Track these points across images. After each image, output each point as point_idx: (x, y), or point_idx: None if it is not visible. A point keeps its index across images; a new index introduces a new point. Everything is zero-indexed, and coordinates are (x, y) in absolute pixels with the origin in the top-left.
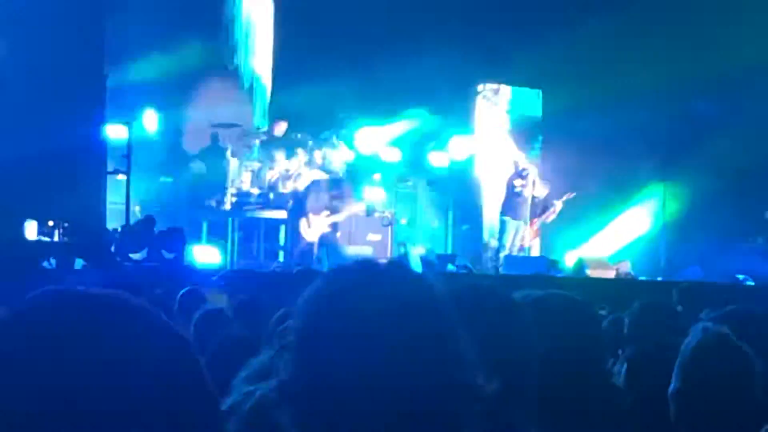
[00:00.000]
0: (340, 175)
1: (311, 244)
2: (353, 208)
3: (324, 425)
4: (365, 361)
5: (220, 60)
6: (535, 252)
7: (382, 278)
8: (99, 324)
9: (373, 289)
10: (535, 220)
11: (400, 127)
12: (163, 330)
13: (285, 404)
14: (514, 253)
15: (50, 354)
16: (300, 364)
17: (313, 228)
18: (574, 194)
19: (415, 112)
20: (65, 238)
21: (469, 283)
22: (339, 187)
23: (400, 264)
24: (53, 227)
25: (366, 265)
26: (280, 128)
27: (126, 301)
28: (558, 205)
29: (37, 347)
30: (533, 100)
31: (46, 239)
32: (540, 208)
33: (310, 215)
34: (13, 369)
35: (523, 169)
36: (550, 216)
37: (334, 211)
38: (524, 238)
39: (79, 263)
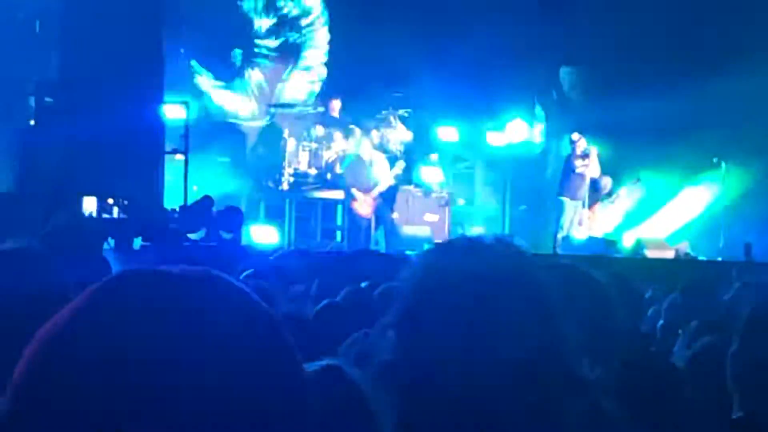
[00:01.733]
0: (398, 154)
1: (369, 224)
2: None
3: (429, 409)
4: (474, 344)
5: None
6: (596, 233)
7: (489, 256)
8: (191, 302)
9: (480, 267)
10: (595, 204)
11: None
12: (256, 309)
13: (387, 385)
14: (573, 234)
15: (144, 335)
16: (406, 344)
17: (362, 203)
18: (638, 181)
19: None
20: (124, 216)
21: (557, 262)
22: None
23: (504, 241)
24: (112, 205)
25: (471, 241)
26: (336, 107)
27: (217, 279)
28: (623, 192)
29: (130, 331)
30: (588, 80)
31: (106, 216)
32: (599, 192)
33: (354, 191)
34: (105, 356)
35: (585, 149)
36: (614, 201)
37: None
38: (583, 221)
39: (137, 243)
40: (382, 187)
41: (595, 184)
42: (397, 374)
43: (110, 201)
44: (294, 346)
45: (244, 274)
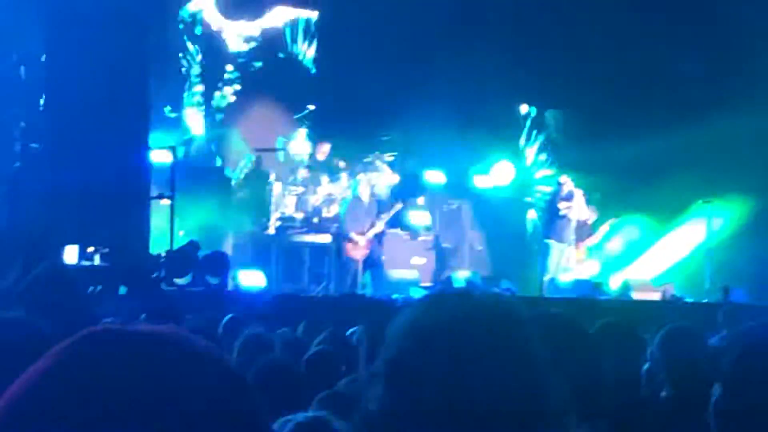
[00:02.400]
0: (384, 198)
1: (356, 268)
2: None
3: None
4: (460, 398)
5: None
6: (582, 275)
7: (479, 310)
8: (156, 364)
9: (470, 321)
10: (582, 244)
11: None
12: (223, 372)
13: None
14: (558, 276)
15: (89, 407)
16: (393, 396)
17: (358, 246)
18: (617, 219)
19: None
20: (106, 264)
21: (545, 312)
22: (383, 209)
23: (495, 296)
24: (93, 252)
25: (462, 295)
26: (323, 151)
27: (184, 340)
28: (603, 230)
29: (94, 392)
30: (574, 123)
31: (87, 263)
32: (586, 232)
33: (353, 234)
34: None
35: (569, 191)
36: (595, 241)
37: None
38: (570, 262)
39: (122, 290)
40: (378, 228)
41: (579, 225)
42: (384, 425)
43: (90, 249)
44: (263, 409)
45: (226, 318)
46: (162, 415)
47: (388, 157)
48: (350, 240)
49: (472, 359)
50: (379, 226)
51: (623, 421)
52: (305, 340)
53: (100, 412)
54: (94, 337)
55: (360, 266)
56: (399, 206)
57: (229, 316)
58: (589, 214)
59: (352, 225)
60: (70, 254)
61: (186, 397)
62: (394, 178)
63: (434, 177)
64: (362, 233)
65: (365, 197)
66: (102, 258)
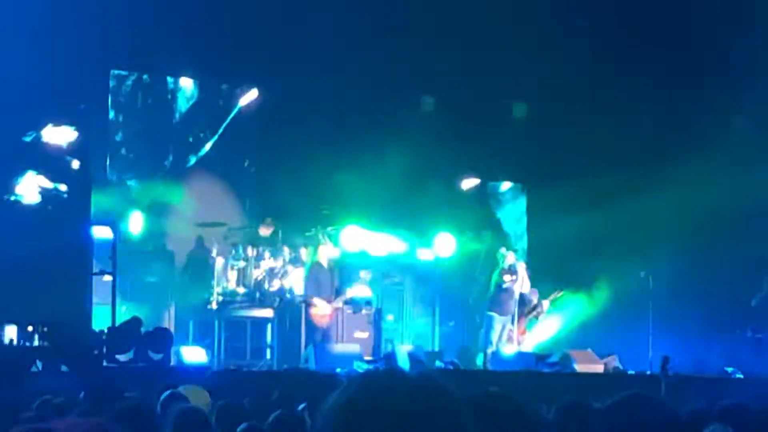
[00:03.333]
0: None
1: (326, 333)
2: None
3: None
4: None
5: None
6: (525, 348)
7: (411, 392)
8: None
9: (402, 403)
10: (523, 318)
11: (387, 239)
12: None
13: None
14: (501, 349)
15: None
16: None
17: (322, 312)
18: (562, 293)
19: (402, 231)
20: (45, 343)
21: (482, 392)
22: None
23: (429, 377)
24: (32, 332)
25: (396, 375)
26: (266, 228)
27: None
28: (545, 304)
29: None
30: (518, 197)
31: (26, 344)
32: (527, 307)
33: (315, 300)
34: None
35: (512, 264)
36: (539, 314)
37: (338, 294)
38: (512, 336)
39: (64, 367)
40: (344, 297)
41: (523, 300)
42: None
43: (30, 328)
44: None
45: (164, 395)
46: None
47: (330, 230)
48: (314, 305)
49: None
50: (349, 294)
51: None
52: (253, 412)
53: None
54: None
55: (303, 340)
56: (368, 274)
57: (168, 392)
58: (532, 294)
59: (315, 290)
60: (10, 333)
61: None
62: (336, 251)
63: (377, 251)
64: (328, 300)
65: (325, 262)
66: (41, 336)
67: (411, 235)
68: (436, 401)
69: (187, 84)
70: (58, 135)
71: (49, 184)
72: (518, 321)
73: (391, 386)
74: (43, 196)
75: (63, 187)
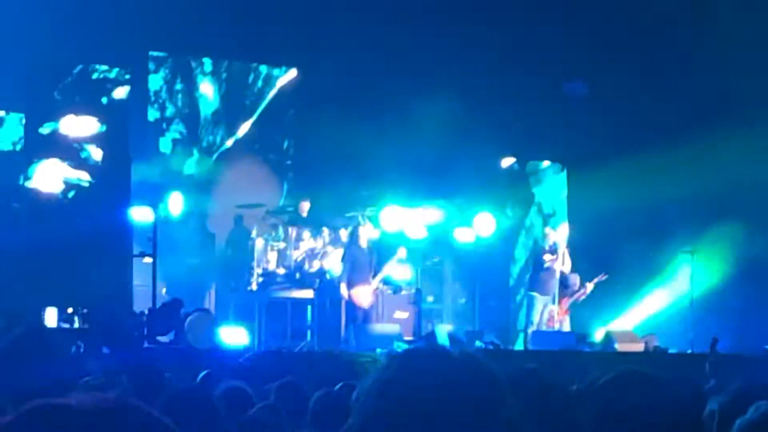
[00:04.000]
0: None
1: (366, 315)
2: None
3: None
4: None
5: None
6: (566, 328)
7: (453, 369)
8: None
9: (444, 380)
10: (566, 299)
11: (425, 213)
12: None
13: None
14: (542, 329)
15: None
16: None
17: (363, 294)
18: (606, 276)
19: (441, 202)
20: (85, 325)
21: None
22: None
23: (467, 354)
24: (72, 314)
25: (438, 353)
26: (304, 207)
27: (132, 412)
28: (589, 286)
29: None
30: (558, 175)
31: (66, 326)
32: (570, 288)
33: (354, 280)
34: None
35: (553, 244)
36: (581, 297)
37: (376, 273)
38: (553, 316)
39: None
40: (382, 274)
41: (564, 280)
42: None
43: (70, 310)
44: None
45: (201, 375)
46: None
47: (369, 211)
48: (354, 286)
49: (444, 419)
50: (386, 271)
51: None
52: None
53: None
54: (33, 413)
55: (342, 321)
56: (403, 251)
57: (204, 372)
58: (574, 278)
59: (353, 271)
60: (50, 317)
61: None
62: (376, 233)
63: (416, 232)
64: (366, 281)
65: (363, 243)
66: (82, 318)
67: (450, 214)
68: (478, 378)
69: (225, 65)
70: (88, 123)
71: (84, 172)
72: (560, 302)
73: (433, 363)
74: (80, 180)
75: (96, 172)
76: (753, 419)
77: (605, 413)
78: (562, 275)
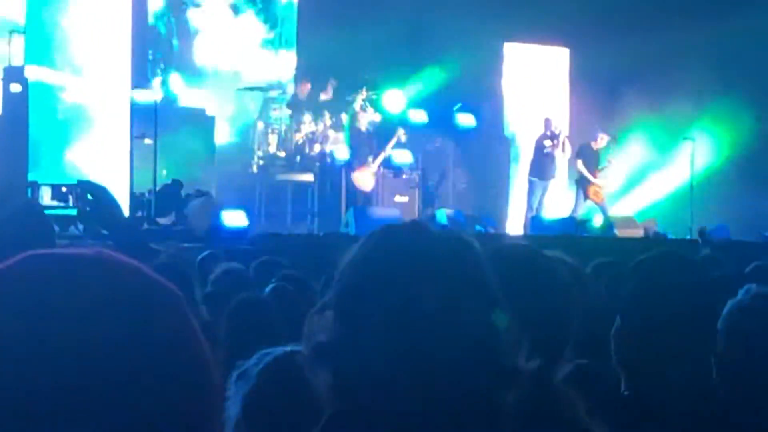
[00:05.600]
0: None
1: (369, 198)
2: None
3: (363, 388)
4: (410, 328)
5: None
6: (564, 213)
7: (433, 244)
8: (81, 284)
9: (424, 254)
10: (598, 173)
11: (425, 84)
12: (148, 284)
13: (323, 366)
14: (542, 214)
15: (28, 321)
16: (343, 327)
17: (366, 177)
18: (615, 139)
19: (436, 71)
20: (80, 204)
21: (507, 244)
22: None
23: (451, 231)
24: (66, 192)
25: (417, 228)
26: (305, 90)
27: (105, 258)
28: (614, 160)
29: (12, 315)
30: (561, 59)
31: (62, 204)
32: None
33: (355, 164)
34: None
35: (555, 129)
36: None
37: (376, 156)
38: (598, 195)
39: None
40: (383, 155)
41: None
42: (334, 355)
43: (64, 189)
44: (197, 329)
45: (201, 256)
46: (87, 333)
47: (371, 95)
48: (355, 169)
49: (422, 290)
50: (386, 152)
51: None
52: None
53: (22, 332)
54: (26, 261)
55: (343, 205)
56: (402, 132)
57: (207, 252)
58: (571, 152)
59: (355, 154)
60: (45, 195)
61: (114, 316)
62: (377, 117)
63: (416, 116)
64: (367, 164)
65: (363, 127)
66: (79, 199)
67: (452, 101)
68: (459, 254)
69: None
70: None
71: None
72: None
73: (412, 239)
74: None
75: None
76: (744, 301)
77: (643, 290)
78: (586, 152)
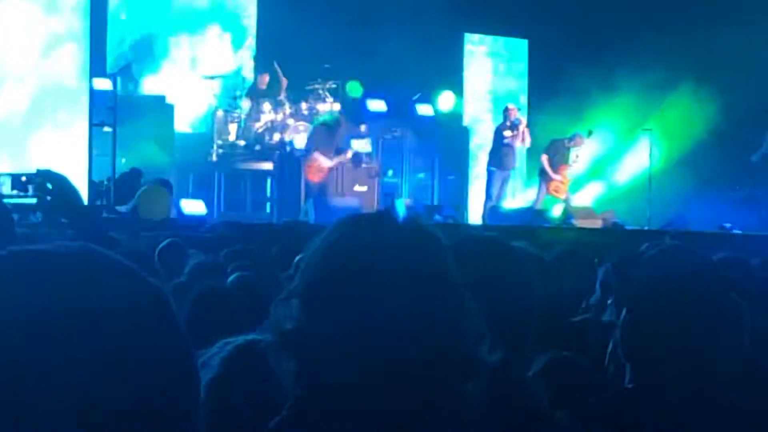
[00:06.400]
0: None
1: (299, 195)
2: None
3: (327, 376)
4: (375, 318)
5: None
6: (524, 203)
7: (397, 233)
8: (65, 280)
9: (388, 244)
10: (564, 168)
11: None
12: (135, 280)
13: (287, 354)
14: (501, 204)
15: (14, 320)
16: (308, 314)
17: (320, 170)
18: (591, 133)
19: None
20: (39, 194)
21: (471, 235)
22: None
23: (415, 220)
24: (26, 182)
25: (382, 217)
26: (264, 79)
27: (92, 254)
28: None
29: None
30: (520, 51)
31: (21, 193)
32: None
33: (318, 156)
34: None
35: (515, 118)
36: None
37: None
38: (558, 191)
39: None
40: (344, 158)
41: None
42: (299, 343)
43: (24, 179)
44: (180, 322)
45: (161, 245)
46: (77, 328)
47: (330, 84)
48: (315, 162)
49: (387, 281)
50: (347, 155)
51: (552, 345)
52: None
53: (13, 327)
54: (5, 257)
55: (302, 193)
56: (365, 131)
57: (167, 241)
58: (530, 142)
59: (316, 146)
60: (5, 185)
61: (98, 310)
62: (336, 106)
63: (375, 105)
64: (329, 158)
65: (326, 120)
66: (38, 187)
67: (411, 91)
68: (423, 245)
69: None
70: None
71: None
72: (557, 171)
73: (378, 228)
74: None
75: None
76: (652, 253)
77: (653, 283)
78: (557, 145)
